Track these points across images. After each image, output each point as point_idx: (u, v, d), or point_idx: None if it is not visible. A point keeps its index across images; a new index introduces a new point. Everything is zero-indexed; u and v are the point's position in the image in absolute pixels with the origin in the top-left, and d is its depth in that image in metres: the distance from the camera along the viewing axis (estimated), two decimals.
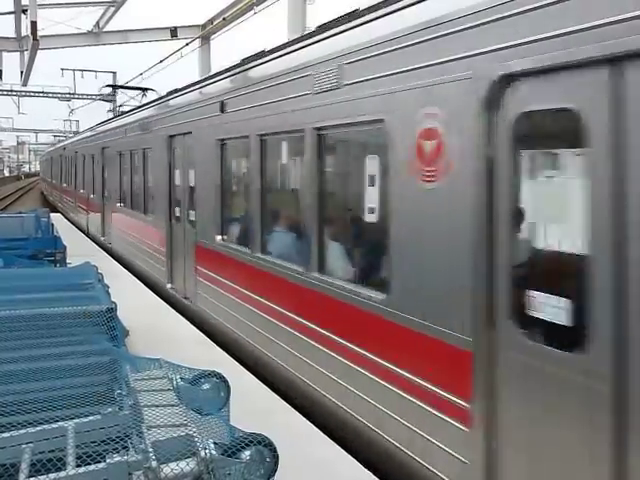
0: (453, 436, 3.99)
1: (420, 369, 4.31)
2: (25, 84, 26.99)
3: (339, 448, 4.82)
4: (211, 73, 10.11)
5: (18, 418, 2.78)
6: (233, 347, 7.53)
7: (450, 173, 4.01)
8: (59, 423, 2.75)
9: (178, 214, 10.21)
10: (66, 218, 25.31)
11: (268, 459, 2.81)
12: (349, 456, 4.69)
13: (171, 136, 10.38)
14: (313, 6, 16.91)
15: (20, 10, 19.86)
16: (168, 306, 9.61)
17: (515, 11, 3.53)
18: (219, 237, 8.29)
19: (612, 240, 3.06)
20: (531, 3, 3.41)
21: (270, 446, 2.82)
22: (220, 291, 8.17)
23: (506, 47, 3.57)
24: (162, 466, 2.51)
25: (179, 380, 3.39)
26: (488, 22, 3.72)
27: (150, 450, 2.55)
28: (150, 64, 25.16)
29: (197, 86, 9.66)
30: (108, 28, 27.20)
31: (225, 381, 3.53)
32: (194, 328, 8.34)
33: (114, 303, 4.45)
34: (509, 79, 3.56)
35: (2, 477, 2.51)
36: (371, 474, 4.44)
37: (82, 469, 2.47)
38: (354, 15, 5.45)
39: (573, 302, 3.30)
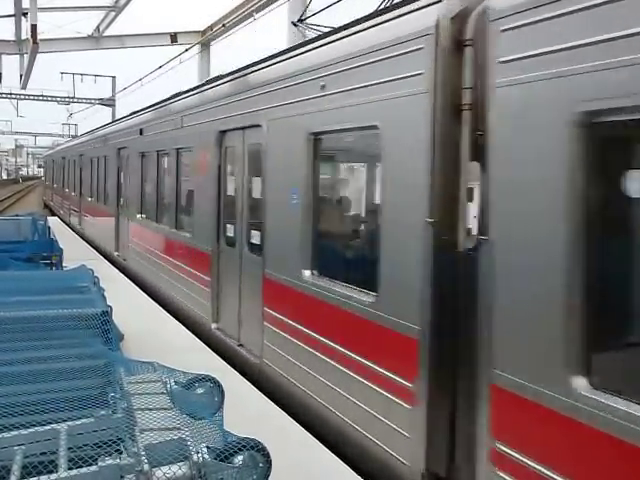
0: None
1: None
2: (24, 87, 26.97)
3: (332, 454, 4.81)
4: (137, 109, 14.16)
5: (10, 420, 2.77)
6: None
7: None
8: (52, 425, 2.74)
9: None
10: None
11: (261, 464, 2.80)
12: (341, 462, 4.68)
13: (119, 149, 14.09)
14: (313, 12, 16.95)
15: (20, 13, 19.88)
16: (164, 311, 9.56)
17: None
18: None
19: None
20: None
21: (263, 451, 2.82)
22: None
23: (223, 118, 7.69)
24: (154, 469, 2.51)
25: (173, 384, 3.39)
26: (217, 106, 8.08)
27: (142, 453, 2.55)
28: (150, 69, 25.19)
29: (131, 116, 13.77)
30: (108, 33, 27.24)
31: (219, 386, 3.53)
32: (189, 333, 8.31)
33: (109, 306, 4.45)
34: (223, 132, 7.90)
35: None
36: None
37: (74, 472, 2.46)
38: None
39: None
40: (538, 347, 3.42)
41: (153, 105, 12.67)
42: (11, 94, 43.32)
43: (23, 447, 2.59)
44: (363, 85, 4.89)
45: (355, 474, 4.49)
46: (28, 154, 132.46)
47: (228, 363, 6.96)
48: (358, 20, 5.35)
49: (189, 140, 9.40)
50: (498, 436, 3.64)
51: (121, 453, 2.60)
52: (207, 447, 2.67)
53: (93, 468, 2.49)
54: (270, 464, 2.81)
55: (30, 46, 16.83)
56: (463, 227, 4.10)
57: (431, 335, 4.13)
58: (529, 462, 3.41)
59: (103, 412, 2.90)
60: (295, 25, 6.70)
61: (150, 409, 2.97)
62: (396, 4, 4.98)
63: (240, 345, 7.36)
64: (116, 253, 14.67)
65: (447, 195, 4.11)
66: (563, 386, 3.25)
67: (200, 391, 3.50)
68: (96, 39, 27.60)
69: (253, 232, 7.17)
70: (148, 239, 11.87)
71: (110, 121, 20.56)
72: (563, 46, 3.26)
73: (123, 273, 12.62)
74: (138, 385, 3.29)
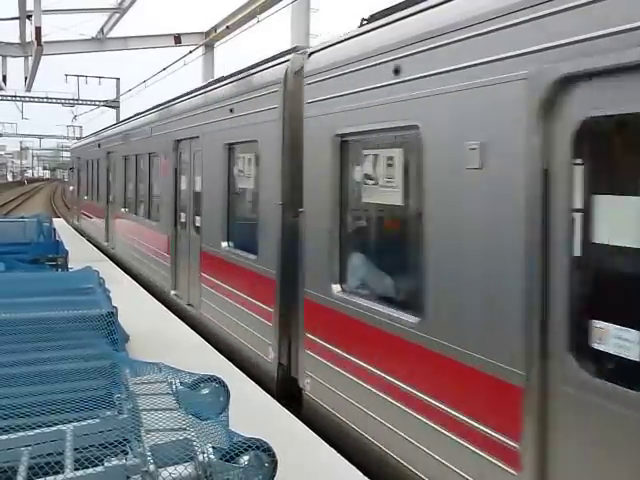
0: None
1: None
2: (29, 89, 27.12)
3: (337, 454, 4.81)
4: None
5: (17, 421, 2.78)
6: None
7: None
8: (58, 426, 2.75)
9: None
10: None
11: (266, 464, 2.80)
12: (347, 462, 4.68)
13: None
14: (317, 14, 17.00)
15: (25, 16, 19.95)
16: (169, 311, 9.60)
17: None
18: None
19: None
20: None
21: (269, 451, 2.81)
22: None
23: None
24: (160, 470, 2.51)
25: (179, 384, 3.39)
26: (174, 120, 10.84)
27: (148, 454, 2.55)
28: (154, 71, 25.23)
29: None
30: (112, 34, 27.30)
31: (225, 386, 3.52)
32: (195, 334, 8.33)
33: (115, 307, 4.45)
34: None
35: None
36: None
37: (80, 472, 2.46)
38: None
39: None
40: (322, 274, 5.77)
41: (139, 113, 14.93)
42: (16, 96, 43.41)
43: (29, 448, 2.59)
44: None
45: (361, 474, 4.49)
46: (33, 156, 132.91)
47: (182, 319, 9.14)
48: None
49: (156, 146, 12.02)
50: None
51: (127, 454, 2.60)
52: (213, 447, 2.67)
53: (99, 469, 2.49)
54: (276, 464, 2.81)
55: (34, 48, 16.92)
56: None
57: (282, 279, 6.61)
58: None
59: (109, 413, 2.90)
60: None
61: (156, 410, 2.97)
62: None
63: (189, 304, 9.71)
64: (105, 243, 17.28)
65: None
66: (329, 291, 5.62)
67: (205, 391, 3.50)
68: (100, 41, 27.66)
69: (196, 217, 9.58)
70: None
71: None
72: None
73: None
74: (144, 386, 3.30)
